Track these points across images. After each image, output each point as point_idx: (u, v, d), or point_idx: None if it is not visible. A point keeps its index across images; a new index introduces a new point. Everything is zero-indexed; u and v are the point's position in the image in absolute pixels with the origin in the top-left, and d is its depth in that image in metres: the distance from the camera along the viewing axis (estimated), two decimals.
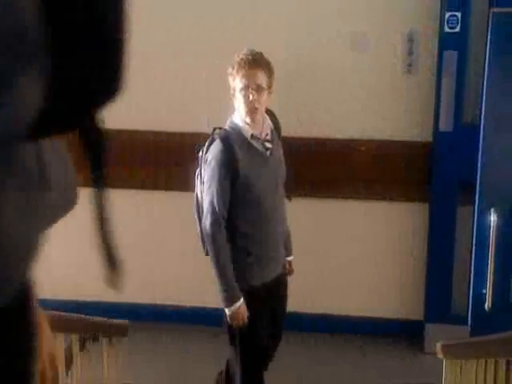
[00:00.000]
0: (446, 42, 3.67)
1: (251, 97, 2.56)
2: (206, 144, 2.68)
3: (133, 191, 4.09)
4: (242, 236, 2.67)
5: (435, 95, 3.72)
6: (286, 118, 3.91)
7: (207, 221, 2.62)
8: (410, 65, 3.81)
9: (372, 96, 3.86)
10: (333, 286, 4.06)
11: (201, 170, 2.71)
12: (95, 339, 2.64)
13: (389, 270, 4.02)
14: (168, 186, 4.07)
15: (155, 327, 4.06)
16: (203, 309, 4.15)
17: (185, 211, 4.13)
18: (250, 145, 2.64)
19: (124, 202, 4.12)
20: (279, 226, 2.75)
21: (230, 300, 2.63)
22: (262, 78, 2.59)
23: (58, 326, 2.25)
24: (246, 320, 2.64)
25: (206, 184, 2.64)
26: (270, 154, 2.68)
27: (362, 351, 3.88)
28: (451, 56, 3.65)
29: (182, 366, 3.77)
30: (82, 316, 2.50)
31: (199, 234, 2.79)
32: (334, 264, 4.03)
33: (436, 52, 3.71)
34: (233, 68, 2.60)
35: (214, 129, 2.71)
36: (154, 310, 4.19)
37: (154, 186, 4.10)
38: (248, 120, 2.62)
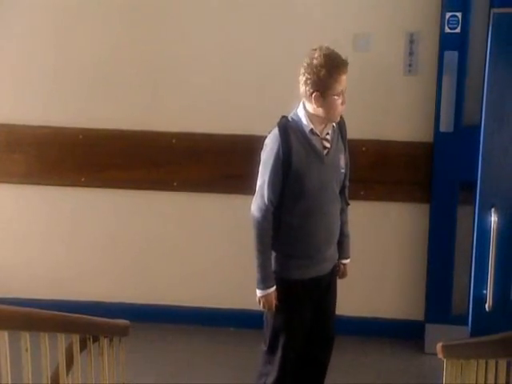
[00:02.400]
0: (446, 42, 3.67)
1: (345, 101, 2.62)
2: (272, 130, 2.71)
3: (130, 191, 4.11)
4: (285, 228, 2.68)
5: (436, 95, 3.72)
6: None
7: (255, 204, 2.67)
8: (410, 65, 3.82)
9: (373, 96, 3.86)
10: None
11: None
12: (96, 339, 2.63)
13: (389, 271, 4.02)
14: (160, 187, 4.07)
15: (156, 327, 4.07)
16: (205, 309, 4.16)
17: (189, 211, 4.16)
18: (307, 139, 2.65)
19: (122, 202, 4.15)
20: (325, 227, 2.72)
21: (262, 284, 2.68)
22: None
23: (59, 326, 2.25)
24: (273, 308, 2.70)
25: (260, 168, 2.67)
26: (327, 154, 2.69)
27: (362, 352, 3.89)
28: (452, 56, 3.65)
29: (183, 366, 3.77)
30: (83, 316, 2.49)
31: None
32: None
33: (437, 52, 3.72)
34: (324, 66, 2.56)
35: (282, 117, 2.73)
36: (156, 310, 4.19)
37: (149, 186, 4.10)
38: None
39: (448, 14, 3.64)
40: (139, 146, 4.05)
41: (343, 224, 2.87)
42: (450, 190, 3.70)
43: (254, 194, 3.98)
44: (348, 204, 2.92)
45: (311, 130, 2.65)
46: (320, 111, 2.61)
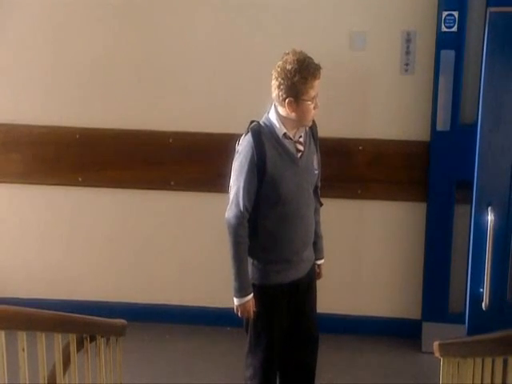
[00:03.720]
0: (443, 41, 3.66)
1: (318, 106, 2.60)
2: (242, 136, 2.70)
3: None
4: (263, 234, 2.67)
5: (432, 94, 3.72)
6: None
7: (230, 212, 2.65)
8: (407, 64, 3.81)
9: (369, 95, 3.86)
10: (329, 285, 4.05)
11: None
12: (93, 339, 2.63)
13: (386, 270, 4.02)
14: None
15: (154, 327, 4.07)
16: (202, 308, 4.16)
17: (187, 210, 4.16)
18: (281, 143, 2.64)
19: (120, 202, 4.14)
20: (302, 230, 2.72)
21: (239, 292, 2.68)
22: None
23: (56, 325, 2.25)
24: (251, 315, 2.71)
25: (233, 175, 2.66)
26: (301, 157, 2.69)
27: (359, 351, 3.89)
28: (448, 55, 3.65)
29: (181, 365, 3.77)
30: (80, 316, 2.49)
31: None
32: (331, 263, 4.02)
33: (433, 51, 3.72)
34: (298, 72, 2.54)
35: (251, 122, 2.72)
36: (153, 309, 4.19)
37: None
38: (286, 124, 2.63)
39: (445, 13, 3.64)
40: (136, 146, 4.05)
41: (316, 224, 2.87)
42: (446, 189, 3.70)
43: None
44: (321, 204, 2.92)
45: (284, 134, 2.64)
46: (293, 116, 2.60)
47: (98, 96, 4.03)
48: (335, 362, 3.76)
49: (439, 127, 3.70)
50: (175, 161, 4.03)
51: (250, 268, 2.72)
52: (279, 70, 2.60)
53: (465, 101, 3.73)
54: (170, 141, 4.01)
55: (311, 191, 2.76)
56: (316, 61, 3.89)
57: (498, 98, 3.30)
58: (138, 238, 4.18)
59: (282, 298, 2.75)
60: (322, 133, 3.88)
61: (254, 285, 2.73)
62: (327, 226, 4.02)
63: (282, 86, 2.57)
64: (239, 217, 2.61)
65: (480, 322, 2.92)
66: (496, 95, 3.29)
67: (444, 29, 3.65)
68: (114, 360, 2.87)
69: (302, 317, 2.83)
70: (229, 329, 4.05)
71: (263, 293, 2.72)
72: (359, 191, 3.88)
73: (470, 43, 3.66)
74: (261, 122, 2.68)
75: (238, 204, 2.62)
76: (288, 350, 2.85)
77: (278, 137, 2.63)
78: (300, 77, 2.54)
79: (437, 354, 2.75)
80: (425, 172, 3.78)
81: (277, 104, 2.65)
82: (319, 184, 2.87)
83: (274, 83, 2.62)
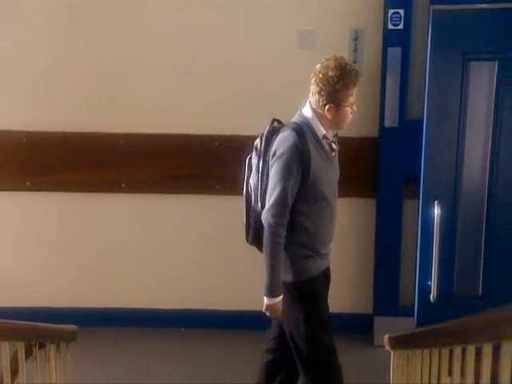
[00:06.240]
0: (389, 38, 3.72)
1: (354, 111, 2.65)
2: (266, 134, 2.68)
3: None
4: (299, 231, 2.68)
5: (380, 91, 3.77)
6: (232, 117, 3.94)
7: (273, 211, 2.61)
8: (355, 62, 3.85)
9: None
10: None
11: (259, 161, 2.70)
12: (42, 346, 2.58)
13: (337, 265, 4.01)
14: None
15: (107, 331, 4.02)
16: (154, 310, 4.13)
17: (138, 213, 4.12)
18: (320, 143, 2.66)
19: (69, 205, 4.08)
20: (332, 223, 2.78)
21: (272, 292, 2.65)
22: None
23: (2, 333, 2.20)
24: (279, 315, 2.70)
25: (276, 175, 2.61)
26: (333, 156, 2.73)
27: None
28: (395, 53, 3.70)
29: (134, 368, 3.74)
30: (27, 323, 2.44)
31: (245, 223, 2.81)
32: None
33: (380, 49, 3.77)
34: (341, 79, 2.56)
35: (274, 120, 2.72)
36: (105, 313, 4.13)
37: None
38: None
39: (391, 11, 3.70)
40: (86, 148, 3.99)
41: None
42: (395, 184, 3.75)
43: (202, 194, 4.00)
44: None
45: (324, 135, 2.67)
46: (331, 120, 2.64)
47: (45, 99, 3.97)
48: None
49: (387, 123, 3.75)
50: (126, 163, 4.00)
51: (284, 266, 2.70)
52: (321, 76, 2.61)
53: (412, 97, 3.79)
54: (121, 143, 3.97)
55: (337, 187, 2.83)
56: (265, 60, 3.95)
57: (442, 94, 3.35)
58: (89, 242, 4.12)
59: (321, 287, 2.78)
60: None
61: (289, 283, 2.72)
62: None
63: (323, 93, 2.59)
64: (282, 217, 2.61)
65: (428, 314, 2.96)
66: (440, 91, 3.35)
67: (390, 26, 3.71)
68: (65, 366, 2.82)
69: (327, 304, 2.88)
70: (183, 330, 4.04)
71: (307, 288, 2.72)
72: None
73: (415, 40, 3.73)
74: (299, 122, 2.68)
75: (282, 204, 2.60)
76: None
77: (318, 137, 2.66)
78: (342, 84, 2.57)
79: (387, 348, 2.79)
80: (374, 168, 3.83)
81: (315, 107, 2.66)
82: None
83: (315, 89, 2.63)
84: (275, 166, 2.62)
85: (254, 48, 3.89)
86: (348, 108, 2.63)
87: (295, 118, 2.72)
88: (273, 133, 2.69)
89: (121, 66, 3.93)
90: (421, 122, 3.61)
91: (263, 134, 2.72)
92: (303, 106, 2.74)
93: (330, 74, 2.57)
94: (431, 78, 3.36)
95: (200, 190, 4.01)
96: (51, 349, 2.65)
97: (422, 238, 3.29)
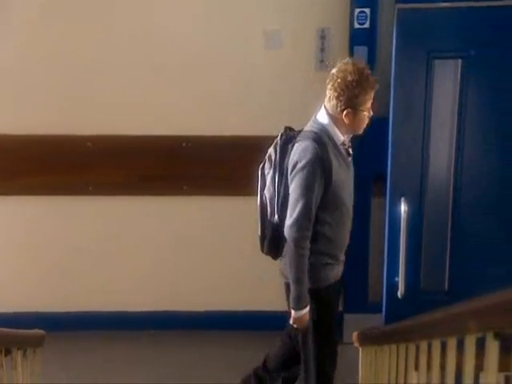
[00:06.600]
0: (356, 37, 3.75)
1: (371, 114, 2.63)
2: (280, 145, 2.65)
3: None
4: (323, 240, 2.67)
5: None
6: (199, 118, 3.93)
7: (297, 225, 2.58)
8: (322, 61, 3.87)
9: (286, 93, 3.90)
10: (242, 281, 4.09)
11: (275, 173, 2.67)
12: (8, 352, 2.54)
13: None
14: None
15: (75, 335, 3.96)
16: (121, 313, 4.09)
17: (105, 215, 4.08)
18: (339, 150, 2.64)
19: (36, 209, 4.03)
20: (348, 230, 2.79)
21: (299, 304, 2.63)
22: None
23: None
24: (306, 327, 2.67)
25: (298, 188, 2.57)
26: (350, 161, 2.73)
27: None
28: (361, 51, 3.73)
29: (102, 372, 3.70)
30: None
31: (260, 234, 2.78)
32: (234, 261, 4.07)
33: (347, 48, 3.79)
34: (360, 84, 2.53)
35: (286, 129, 2.68)
36: (73, 317, 4.09)
37: None
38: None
39: (357, 10, 3.72)
40: (53, 151, 3.95)
41: None
42: (363, 183, 3.77)
43: (170, 195, 3.98)
44: None
45: (343, 141, 2.65)
46: (348, 125, 2.61)
47: (10, 101, 3.91)
48: (256, 357, 3.78)
49: None
50: (94, 165, 3.96)
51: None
52: (339, 80, 2.57)
53: (380, 95, 3.81)
54: (89, 145, 3.93)
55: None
56: (232, 60, 3.94)
57: (408, 93, 3.39)
58: (55, 246, 4.07)
59: (335, 297, 2.79)
60: (239, 131, 3.94)
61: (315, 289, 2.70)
62: (230, 221, 4.06)
63: (341, 98, 2.56)
64: (306, 230, 2.59)
65: (396, 310, 2.99)
66: (405, 90, 3.38)
67: (357, 25, 3.74)
68: (32, 372, 2.78)
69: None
70: (152, 332, 4.02)
71: (317, 295, 2.70)
72: None
73: (381, 39, 3.76)
74: (317, 131, 2.63)
75: (306, 218, 2.57)
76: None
77: (336, 144, 2.63)
78: (361, 88, 2.54)
79: (356, 344, 2.81)
80: None
81: (332, 113, 2.62)
82: None
83: (333, 94, 2.59)
84: (297, 178, 2.58)
85: (220, 48, 3.89)
86: (365, 112, 2.61)
87: (311, 126, 2.67)
88: (287, 142, 2.66)
89: (87, 67, 3.89)
90: (387, 120, 3.64)
91: (277, 143, 2.69)
92: (317, 112, 2.68)
93: (349, 78, 2.53)
94: (396, 76, 3.39)
95: (168, 191, 3.99)
96: (18, 355, 2.61)
97: (390, 235, 3.31)
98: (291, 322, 2.67)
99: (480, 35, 3.29)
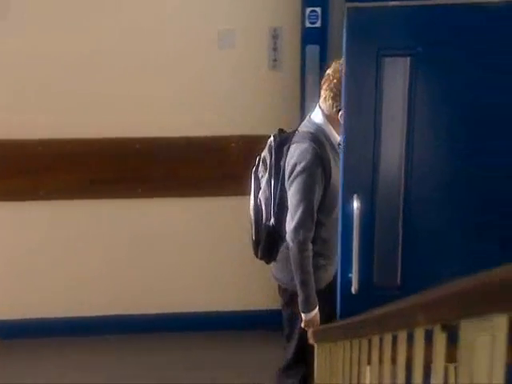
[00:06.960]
0: (307, 36, 3.77)
1: None
2: (274, 147, 2.63)
3: None
4: (318, 241, 2.67)
5: (300, 88, 3.81)
6: (153, 119, 3.90)
7: (300, 228, 2.58)
8: (275, 60, 3.89)
9: (239, 93, 3.91)
10: (208, 282, 4.08)
11: (271, 176, 2.64)
12: None
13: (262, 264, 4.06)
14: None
15: (27, 343, 3.89)
16: (76, 318, 4.03)
17: (57, 220, 4.01)
18: (336, 151, 2.61)
19: None
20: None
21: (309, 306, 2.66)
22: None
23: None
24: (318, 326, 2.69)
25: (299, 191, 2.56)
26: None
27: (239, 346, 3.92)
28: (313, 50, 3.76)
29: (57, 380, 3.64)
30: None
31: (253, 238, 2.77)
32: (205, 260, 4.05)
33: (299, 47, 3.81)
34: None
35: (280, 131, 2.66)
36: (26, 324, 4.01)
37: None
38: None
39: (308, 9, 3.75)
40: (3, 156, 3.87)
41: None
42: None
43: (125, 197, 3.93)
44: None
45: (339, 142, 2.63)
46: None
47: None
48: (222, 360, 3.77)
49: None
50: (44, 169, 3.89)
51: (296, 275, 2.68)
52: (335, 81, 2.58)
53: None
54: (40, 148, 3.86)
55: None
56: (185, 61, 3.92)
57: (358, 91, 3.40)
58: (6, 252, 3.99)
59: (325, 301, 2.76)
60: (192, 132, 3.92)
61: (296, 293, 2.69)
62: (205, 222, 4.05)
63: (337, 98, 2.55)
64: (309, 232, 2.60)
65: (350, 306, 3.00)
66: (356, 88, 3.39)
67: (308, 25, 3.76)
68: None
69: None
70: (108, 337, 3.97)
71: (319, 298, 2.71)
72: (233, 187, 3.91)
73: (333, 38, 3.78)
74: (313, 131, 2.60)
75: (309, 220, 2.59)
76: None
77: (333, 144, 2.62)
78: None
79: (311, 341, 2.82)
80: None
81: (328, 113, 2.60)
82: None
83: (329, 94, 2.58)
84: (298, 181, 2.57)
85: (174, 48, 3.87)
86: None
87: (306, 126, 2.66)
88: (281, 144, 2.64)
89: (37, 69, 3.82)
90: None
91: (271, 146, 2.68)
92: (311, 113, 2.68)
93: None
94: (347, 74, 3.40)
95: (122, 193, 3.95)
96: None
97: (343, 231, 3.31)
98: (303, 325, 2.70)
99: (428, 33, 3.33)
